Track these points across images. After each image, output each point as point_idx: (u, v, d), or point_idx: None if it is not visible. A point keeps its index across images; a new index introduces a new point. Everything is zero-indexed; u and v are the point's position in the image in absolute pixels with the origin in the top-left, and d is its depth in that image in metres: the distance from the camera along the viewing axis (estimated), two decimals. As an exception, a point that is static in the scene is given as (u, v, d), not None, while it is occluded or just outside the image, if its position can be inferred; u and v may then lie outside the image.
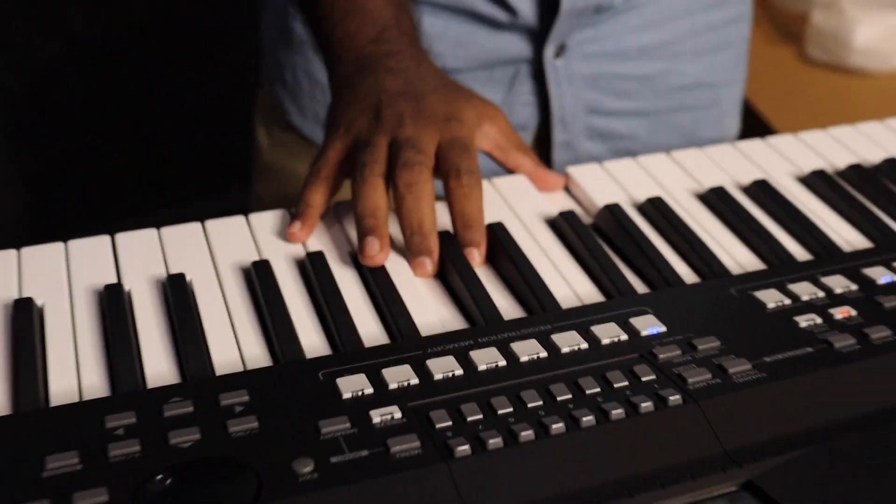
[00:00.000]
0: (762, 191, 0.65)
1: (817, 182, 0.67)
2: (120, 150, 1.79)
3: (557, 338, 0.49)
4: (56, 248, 0.58)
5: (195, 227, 0.61)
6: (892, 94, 1.50)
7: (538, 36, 0.87)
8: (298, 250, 0.60)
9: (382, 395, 0.45)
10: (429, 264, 0.58)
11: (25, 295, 0.54)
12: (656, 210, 0.63)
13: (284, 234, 0.61)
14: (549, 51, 0.88)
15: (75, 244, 0.59)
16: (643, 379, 0.46)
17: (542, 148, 0.93)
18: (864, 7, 1.54)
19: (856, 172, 0.68)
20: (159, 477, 0.40)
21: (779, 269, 0.57)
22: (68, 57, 1.68)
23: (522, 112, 0.91)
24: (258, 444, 0.42)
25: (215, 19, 1.62)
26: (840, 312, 0.51)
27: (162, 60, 1.72)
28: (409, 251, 0.59)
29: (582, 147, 0.94)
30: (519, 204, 0.65)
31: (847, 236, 0.61)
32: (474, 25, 0.87)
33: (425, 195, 0.59)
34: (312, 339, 0.52)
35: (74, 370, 0.50)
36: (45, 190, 1.77)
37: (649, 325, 0.50)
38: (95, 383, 0.49)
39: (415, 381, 0.46)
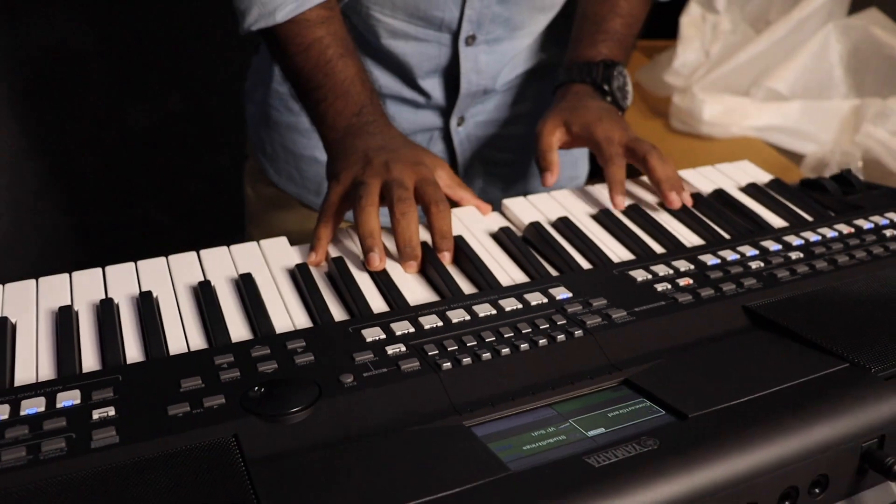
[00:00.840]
0: (634, 211, 0.77)
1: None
2: (151, 205, 1.85)
3: (502, 302, 0.59)
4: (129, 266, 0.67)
5: (238, 247, 0.71)
6: (730, 151, 1.61)
7: (445, 111, 0.99)
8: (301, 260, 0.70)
9: (392, 338, 0.55)
10: (415, 266, 0.68)
11: (145, 290, 0.63)
12: (564, 225, 0.74)
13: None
14: (454, 121, 1.00)
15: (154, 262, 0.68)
16: (558, 323, 0.56)
17: None
18: (709, 91, 1.65)
19: (694, 197, 0.80)
20: (255, 388, 0.50)
21: (643, 257, 0.68)
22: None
23: None
24: (315, 369, 0.52)
25: (213, 110, 1.72)
26: (683, 281, 0.62)
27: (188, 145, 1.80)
28: (401, 257, 0.68)
29: (477, 186, 1.05)
30: (471, 224, 0.75)
31: (688, 237, 0.73)
32: (401, 106, 0.99)
33: (413, 220, 0.69)
34: (339, 311, 0.62)
35: (181, 333, 0.59)
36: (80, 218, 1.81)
37: (561, 293, 0.60)
38: (198, 343, 0.58)
39: (412, 329, 0.56)
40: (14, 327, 0.58)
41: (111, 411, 0.47)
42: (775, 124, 1.60)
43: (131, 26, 1.68)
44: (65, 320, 0.58)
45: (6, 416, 0.47)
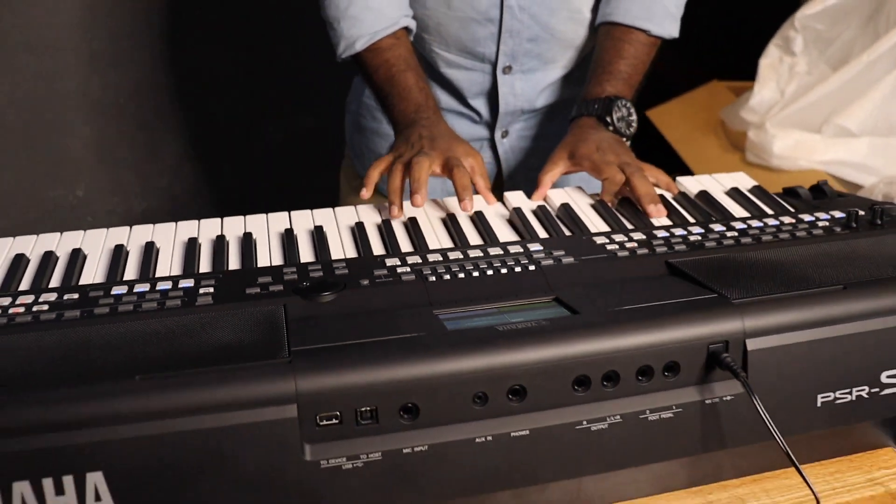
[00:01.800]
0: (621, 203, 0.98)
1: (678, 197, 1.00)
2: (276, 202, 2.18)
3: (490, 249, 0.82)
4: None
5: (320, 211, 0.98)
6: (795, 183, 1.76)
7: (491, 126, 1.25)
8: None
9: (403, 264, 0.78)
10: (419, 199, 0.91)
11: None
12: (563, 208, 0.96)
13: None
14: (498, 134, 1.25)
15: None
16: (521, 261, 0.79)
17: (496, 187, 1.27)
18: (781, 127, 1.82)
19: (680, 195, 1.00)
20: (303, 283, 0.76)
21: (614, 231, 0.89)
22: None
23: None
24: (347, 278, 0.77)
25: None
26: (630, 244, 0.83)
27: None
28: (410, 193, 0.93)
29: (519, 188, 1.29)
30: (491, 209, 0.99)
31: (660, 220, 0.93)
32: (457, 119, 1.25)
33: (423, 169, 0.94)
34: (379, 249, 0.88)
35: (268, 257, 0.86)
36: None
37: (535, 246, 0.83)
38: (278, 262, 0.85)
39: (419, 260, 0.79)
40: (158, 249, 0.88)
41: (210, 290, 0.74)
42: (842, 159, 1.74)
43: (270, 52, 2.03)
44: (190, 247, 0.87)
45: (147, 289, 0.75)
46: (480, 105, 1.26)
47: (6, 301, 0.74)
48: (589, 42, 1.25)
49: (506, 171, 1.31)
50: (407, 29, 1.16)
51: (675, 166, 1.93)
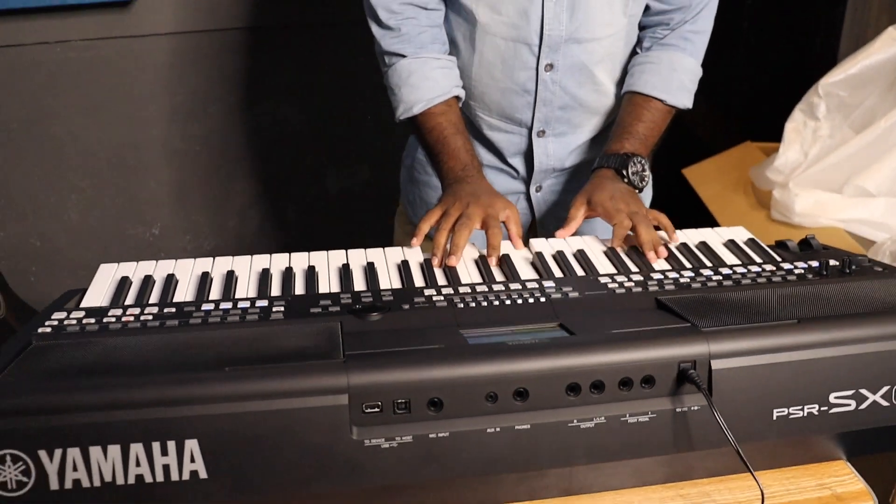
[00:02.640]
0: (631, 249, 1.16)
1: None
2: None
3: (511, 284, 1.01)
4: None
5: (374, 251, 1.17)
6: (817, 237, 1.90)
7: (527, 181, 1.44)
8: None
9: (438, 293, 0.98)
10: (455, 260, 1.08)
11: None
12: (579, 253, 1.14)
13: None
14: (533, 189, 1.43)
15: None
16: (535, 295, 0.97)
17: (531, 233, 1.45)
18: (804, 187, 1.97)
19: (682, 244, 1.17)
20: (356, 306, 0.95)
21: (620, 272, 1.06)
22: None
23: (521, 218, 1.45)
24: (392, 302, 0.96)
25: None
26: (628, 283, 1.01)
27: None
28: (449, 253, 1.10)
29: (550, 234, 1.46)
30: (512, 251, 1.17)
31: (661, 264, 1.10)
32: (497, 175, 1.44)
33: (464, 234, 1.11)
34: (421, 281, 1.06)
35: (327, 283, 1.05)
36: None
37: (549, 284, 1.01)
38: (335, 290, 1.04)
39: (451, 291, 0.99)
40: (237, 276, 1.08)
41: (282, 308, 0.94)
42: (860, 217, 1.89)
43: (332, 110, 2.26)
44: (264, 275, 1.07)
45: (230, 306, 0.95)
46: (518, 163, 1.46)
47: (118, 312, 0.95)
48: (612, 111, 1.44)
49: (539, 220, 1.50)
50: (457, 97, 1.37)
51: (706, 222, 2.09)
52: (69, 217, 2.15)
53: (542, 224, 1.48)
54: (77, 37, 2.00)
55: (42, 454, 0.75)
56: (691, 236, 1.21)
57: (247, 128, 2.24)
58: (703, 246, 1.17)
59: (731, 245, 1.17)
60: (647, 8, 1.39)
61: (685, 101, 1.39)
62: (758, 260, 1.12)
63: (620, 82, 1.42)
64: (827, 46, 2.57)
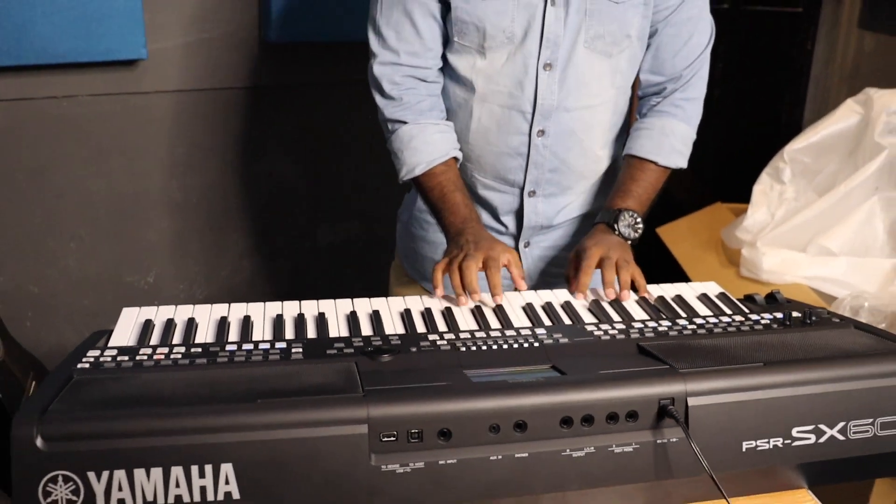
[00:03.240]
0: (614, 301, 1.27)
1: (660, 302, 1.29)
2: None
3: (507, 331, 1.12)
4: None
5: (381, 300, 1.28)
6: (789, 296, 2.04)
7: (517, 238, 1.56)
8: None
9: (441, 339, 1.09)
10: (465, 300, 1.21)
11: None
12: (566, 304, 1.26)
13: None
14: (522, 244, 1.56)
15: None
16: (528, 340, 1.08)
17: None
18: (770, 246, 2.11)
19: (678, 297, 1.29)
20: (369, 348, 1.05)
21: (601, 321, 1.18)
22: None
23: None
24: (399, 345, 1.07)
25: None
26: (612, 331, 1.12)
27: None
28: (461, 293, 1.23)
29: (537, 287, 1.56)
30: (505, 302, 1.29)
31: (639, 314, 1.22)
32: (490, 232, 1.56)
33: (472, 275, 1.23)
34: (422, 327, 1.17)
35: (336, 328, 1.16)
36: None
37: (540, 331, 1.12)
38: (344, 334, 1.15)
39: (453, 336, 1.10)
40: (253, 321, 1.18)
41: (300, 350, 1.04)
42: (823, 275, 2.03)
43: (326, 166, 2.38)
44: (278, 320, 1.17)
45: (252, 347, 1.05)
46: (509, 221, 1.58)
47: (148, 351, 1.04)
48: (598, 174, 1.57)
49: (528, 274, 1.61)
50: (455, 158, 1.49)
51: (679, 278, 2.22)
52: (67, 264, 2.23)
53: (530, 277, 1.60)
54: (84, 92, 2.12)
55: (91, 475, 0.84)
56: (667, 290, 1.33)
57: (243, 182, 2.35)
58: (679, 298, 1.29)
59: (704, 298, 1.30)
60: (641, 81, 1.54)
61: (679, 162, 1.53)
62: (728, 311, 1.24)
63: (608, 148, 1.56)
64: (792, 115, 2.75)
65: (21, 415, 0.85)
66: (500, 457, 0.91)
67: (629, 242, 1.42)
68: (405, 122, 1.46)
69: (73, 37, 1.98)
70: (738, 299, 1.30)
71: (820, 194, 2.17)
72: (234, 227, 2.38)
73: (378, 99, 1.48)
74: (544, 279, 1.61)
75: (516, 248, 1.60)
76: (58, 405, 0.88)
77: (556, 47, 1.43)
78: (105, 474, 0.84)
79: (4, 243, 2.16)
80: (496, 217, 1.58)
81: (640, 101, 1.56)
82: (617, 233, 1.41)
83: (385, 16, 1.45)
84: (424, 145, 1.45)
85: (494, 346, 1.07)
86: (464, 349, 1.06)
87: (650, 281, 1.32)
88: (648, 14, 1.46)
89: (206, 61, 2.19)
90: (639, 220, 1.44)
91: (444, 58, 1.49)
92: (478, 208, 1.58)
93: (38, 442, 0.83)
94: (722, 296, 1.31)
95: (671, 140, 1.51)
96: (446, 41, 1.48)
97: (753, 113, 2.84)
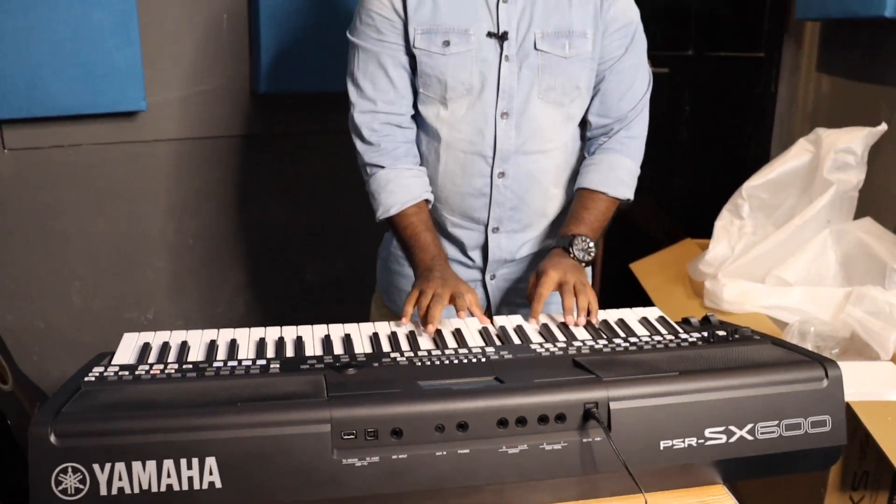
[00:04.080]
0: (562, 325, 1.45)
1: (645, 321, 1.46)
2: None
3: (460, 349, 1.29)
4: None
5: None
6: (743, 322, 2.20)
7: (483, 270, 1.74)
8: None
9: (402, 355, 1.26)
10: (432, 329, 1.38)
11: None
12: (518, 327, 1.43)
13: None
14: (488, 276, 1.73)
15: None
16: (478, 356, 1.25)
17: (487, 315, 1.74)
18: (731, 278, 2.28)
19: (621, 321, 1.46)
20: (336, 363, 1.22)
21: (547, 340, 1.35)
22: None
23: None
24: (366, 361, 1.24)
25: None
26: (553, 349, 1.29)
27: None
28: (426, 324, 1.39)
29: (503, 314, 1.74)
30: (463, 326, 1.46)
31: (583, 336, 1.39)
32: (458, 266, 1.74)
33: (438, 308, 1.40)
34: (388, 347, 1.34)
35: (312, 348, 1.33)
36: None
37: (489, 349, 1.30)
38: (318, 353, 1.32)
39: (412, 354, 1.27)
40: (238, 344, 1.35)
41: (278, 366, 1.21)
42: (780, 304, 2.19)
43: (312, 208, 2.57)
44: (261, 342, 1.34)
45: (236, 364, 1.22)
46: (476, 255, 1.76)
47: (146, 367, 1.22)
48: (555, 212, 1.75)
49: (494, 304, 1.79)
50: (427, 200, 1.68)
51: (650, 308, 2.39)
52: (71, 302, 2.41)
53: (497, 308, 1.78)
54: (88, 141, 2.32)
55: (95, 467, 1.01)
56: (612, 314, 1.51)
57: (236, 224, 2.54)
58: (621, 321, 1.46)
59: (644, 321, 1.47)
60: (590, 123, 1.73)
61: (626, 193, 1.71)
62: (663, 332, 1.41)
63: (562, 188, 1.74)
64: (758, 153, 2.94)
65: (38, 417, 1.02)
66: (445, 453, 1.07)
67: (583, 264, 1.60)
68: (382, 167, 1.65)
69: (78, 91, 2.18)
70: (677, 322, 1.47)
71: (778, 228, 2.35)
72: (228, 266, 2.56)
73: (358, 144, 1.67)
74: (509, 308, 1.78)
75: (482, 281, 1.78)
76: (68, 409, 1.05)
77: (512, 98, 1.63)
78: (108, 466, 1.01)
79: (13, 282, 2.35)
80: (464, 252, 1.76)
81: (588, 142, 1.74)
82: (572, 256, 1.58)
83: (361, 69, 1.65)
84: (399, 188, 1.63)
85: (447, 362, 1.24)
86: (419, 364, 1.23)
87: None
88: (594, 66, 1.65)
89: (200, 112, 2.39)
90: (591, 244, 1.61)
91: (414, 107, 1.68)
92: (447, 244, 1.76)
93: (52, 438, 1.00)
94: (661, 319, 1.48)
95: (618, 173, 1.69)
96: (415, 93, 1.67)
97: (721, 152, 3.03)
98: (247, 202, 2.53)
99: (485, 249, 1.75)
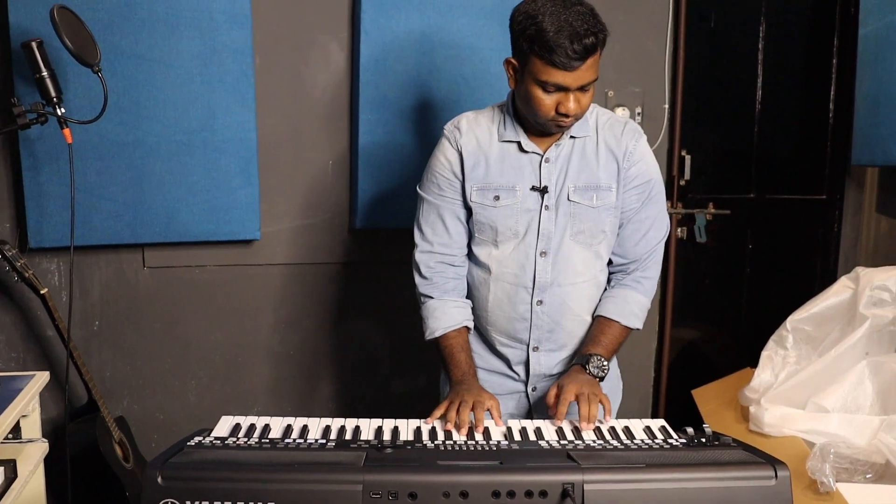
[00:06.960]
0: (574, 428, 1.79)
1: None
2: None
3: (481, 441, 1.66)
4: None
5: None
6: (779, 444, 2.40)
7: (526, 383, 2.10)
8: (430, 426, 1.81)
9: (433, 441, 1.64)
10: (463, 432, 1.77)
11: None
12: (537, 428, 1.78)
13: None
14: (530, 388, 2.10)
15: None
16: (491, 447, 1.61)
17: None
18: (772, 403, 2.54)
19: (626, 428, 1.80)
20: (378, 445, 1.61)
21: (557, 437, 1.70)
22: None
23: (518, 409, 2.11)
24: (404, 445, 1.62)
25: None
26: (556, 444, 1.64)
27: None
28: (456, 426, 1.78)
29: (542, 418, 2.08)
30: (493, 428, 1.82)
31: (590, 437, 1.72)
32: (503, 378, 2.11)
33: (465, 414, 1.78)
34: (428, 439, 1.72)
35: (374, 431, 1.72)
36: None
37: (504, 442, 1.66)
38: (371, 439, 1.71)
39: (441, 444, 1.65)
40: (308, 428, 1.77)
41: (333, 444, 1.62)
42: (817, 429, 2.43)
43: (403, 328, 3.01)
44: (327, 427, 1.76)
45: (303, 441, 1.64)
46: (520, 370, 2.14)
47: (234, 439, 1.64)
48: (587, 335, 2.12)
49: (534, 411, 2.15)
50: (467, 327, 2.08)
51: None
52: (188, 398, 2.91)
53: (538, 415, 2.13)
54: (212, 263, 2.86)
55: (187, 502, 1.43)
56: (621, 423, 1.84)
57: (333, 338, 3.00)
58: (626, 429, 1.80)
59: (647, 429, 1.80)
60: (611, 261, 2.11)
61: (636, 323, 2.07)
62: (657, 437, 1.74)
63: (592, 314, 2.11)
64: (824, 288, 3.19)
65: (151, 463, 1.46)
66: (450, 514, 1.44)
67: (597, 379, 1.95)
68: (432, 297, 2.08)
69: (206, 222, 2.73)
70: (674, 429, 1.79)
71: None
72: (323, 375, 3.01)
73: (416, 278, 2.11)
74: (547, 415, 2.13)
75: (525, 393, 2.14)
76: (173, 461, 1.49)
77: (549, 240, 2.03)
78: (196, 502, 1.43)
79: (141, 378, 2.87)
80: (510, 367, 2.14)
81: (609, 276, 2.12)
82: (588, 372, 1.94)
83: (425, 217, 2.10)
84: (444, 315, 2.05)
85: (465, 449, 1.61)
86: (443, 449, 1.61)
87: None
88: (618, 214, 2.05)
89: (306, 242, 2.91)
90: (605, 363, 1.96)
91: (469, 247, 2.11)
92: (496, 360, 2.14)
93: (159, 479, 1.43)
94: (662, 428, 1.80)
95: (632, 307, 2.05)
96: (471, 236, 2.10)
97: (785, 288, 3.30)
98: (342, 320, 3.00)
99: (527, 365, 2.12)
